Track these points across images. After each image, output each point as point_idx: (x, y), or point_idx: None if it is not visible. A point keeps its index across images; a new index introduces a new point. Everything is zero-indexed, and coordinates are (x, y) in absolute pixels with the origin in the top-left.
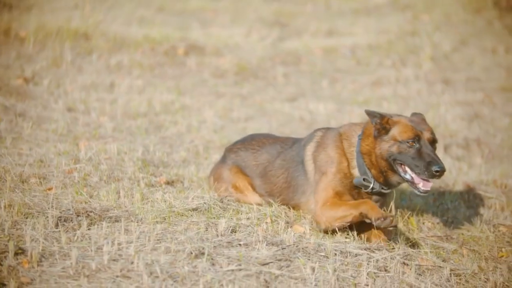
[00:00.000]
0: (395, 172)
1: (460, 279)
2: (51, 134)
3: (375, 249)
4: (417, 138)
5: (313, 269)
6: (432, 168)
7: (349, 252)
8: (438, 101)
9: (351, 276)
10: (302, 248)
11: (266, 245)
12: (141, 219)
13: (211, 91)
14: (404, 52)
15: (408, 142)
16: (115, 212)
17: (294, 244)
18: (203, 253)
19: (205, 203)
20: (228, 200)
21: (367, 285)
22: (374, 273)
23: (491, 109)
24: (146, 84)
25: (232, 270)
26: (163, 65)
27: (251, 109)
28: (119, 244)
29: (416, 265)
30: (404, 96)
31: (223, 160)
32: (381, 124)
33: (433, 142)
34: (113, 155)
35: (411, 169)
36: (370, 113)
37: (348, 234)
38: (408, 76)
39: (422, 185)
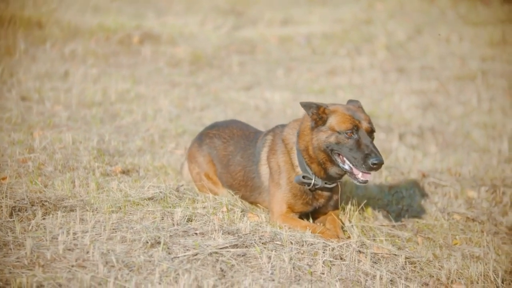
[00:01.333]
0: (334, 163)
1: (415, 266)
2: (4, 124)
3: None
4: (355, 128)
5: (269, 257)
6: (370, 160)
7: (305, 241)
8: (392, 90)
9: (307, 264)
10: (258, 237)
11: (222, 234)
12: (97, 208)
13: (166, 80)
14: (359, 40)
15: (346, 133)
16: (70, 201)
17: (250, 233)
18: (159, 242)
19: (161, 192)
20: (184, 189)
21: (323, 274)
22: (330, 261)
23: (445, 98)
24: (101, 73)
25: (188, 259)
26: (118, 54)
27: (206, 98)
28: (74, 233)
29: (372, 253)
30: (359, 84)
31: (200, 142)
32: (317, 114)
33: (371, 132)
34: (68, 144)
35: (349, 161)
36: (305, 105)
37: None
38: (363, 64)
39: (361, 175)
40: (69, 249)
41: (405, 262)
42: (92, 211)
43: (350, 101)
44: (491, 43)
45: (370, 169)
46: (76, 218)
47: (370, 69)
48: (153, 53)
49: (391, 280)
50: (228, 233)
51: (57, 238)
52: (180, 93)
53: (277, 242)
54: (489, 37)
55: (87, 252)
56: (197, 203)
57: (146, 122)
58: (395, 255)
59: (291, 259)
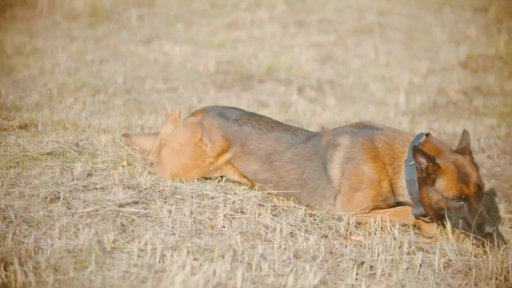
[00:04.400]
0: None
1: (314, 219)
2: None
3: (232, 192)
4: (463, 195)
5: (170, 211)
6: (486, 230)
7: (206, 194)
8: (291, 43)
9: (208, 218)
10: (159, 191)
11: (123, 188)
12: None
13: (64, 34)
14: None
15: (454, 200)
16: None
17: (150, 187)
18: (58, 197)
19: (60, 147)
20: (83, 144)
21: (224, 227)
22: (231, 215)
23: (343, 51)
24: None
25: (89, 214)
26: (13, 6)
27: (105, 52)
28: None
29: (272, 206)
30: (259, 38)
31: (222, 121)
32: (427, 171)
33: (479, 191)
34: None
35: (462, 224)
36: (417, 154)
37: (205, 179)
38: (263, 18)
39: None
40: None
41: (305, 215)
42: None
43: (463, 136)
44: None
45: (485, 237)
46: None
47: (270, 23)
48: (50, 6)
49: (291, 233)
50: (129, 188)
51: None
52: (78, 47)
53: (178, 196)
54: None
55: None
56: (97, 157)
57: (44, 76)
58: (295, 207)
59: (192, 213)
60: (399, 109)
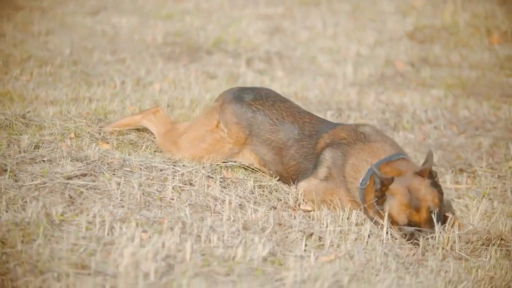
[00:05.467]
0: None
1: (263, 191)
2: None
3: (181, 164)
4: (412, 222)
5: (118, 184)
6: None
7: (155, 166)
8: (240, 15)
9: (157, 190)
10: (107, 164)
11: (71, 161)
12: None
13: (9, 4)
14: None
15: (403, 226)
16: None
17: (99, 160)
18: (5, 170)
19: (6, 119)
20: (30, 116)
21: (173, 199)
22: (180, 187)
23: (291, 23)
24: None
25: (36, 186)
26: None
27: (51, 23)
28: None
29: (221, 178)
30: (206, 9)
31: (237, 111)
32: (380, 191)
33: (431, 217)
34: None
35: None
36: (375, 175)
37: (155, 151)
38: None
39: None
40: None
41: (254, 186)
42: None
43: (427, 158)
44: None
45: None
46: None
47: None
48: None
49: (240, 205)
50: (77, 160)
51: None
52: (24, 17)
53: (126, 169)
54: None
55: None
56: (44, 129)
57: None
58: (244, 179)
59: (140, 185)
60: (347, 80)
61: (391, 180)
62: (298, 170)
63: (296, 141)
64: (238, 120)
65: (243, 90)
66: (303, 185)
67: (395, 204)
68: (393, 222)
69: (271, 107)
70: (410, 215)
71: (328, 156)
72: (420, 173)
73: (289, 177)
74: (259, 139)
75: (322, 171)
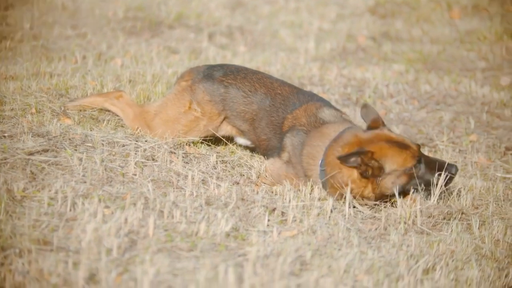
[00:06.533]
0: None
1: (226, 166)
2: None
3: (143, 140)
4: (417, 159)
5: (80, 159)
6: (452, 170)
7: (117, 142)
8: None
9: (119, 166)
10: (69, 139)
11: (32, 136)
12: None
13: None
14: None
15: (415, 167)
16: None
17: (60, 135)
18: None
19: None
20: None
21: (135, 175)
22: (142, 162)
23: None
24: None
25: None
26: None
27: None
28: None
29: (184, 153)
30: None
31: (212, 85)
32: (364, 163)
33: (419, 146)
34: None
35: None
36: (344, 159)
37: (117, 127)
38: None
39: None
40: None
41: (217, 162)
42: None
43: (365, 110)
44: None
45: (454, 175)
46: None
47: None
48: None
49: (202, 180)
50: (38, 136)
51: None
52: None
53: (88, 144)
54: None
55: None
56: (5, 105)
57: None
58: (207, 155)
59: (102, 161)
60: (309, 55)
61: (367, 151)
62: (268, 147)
63: (267, 113)
64: (210, 97)
65: (212, 67)
66: (268, 164)
67: (393, 159)
68: (406, 176)
69: (243, 79)
70: (412, 154)
71: (288, 143)
72: (373, 125)
73: (262, 151)
74: (233, 112)
75: (284, 155)
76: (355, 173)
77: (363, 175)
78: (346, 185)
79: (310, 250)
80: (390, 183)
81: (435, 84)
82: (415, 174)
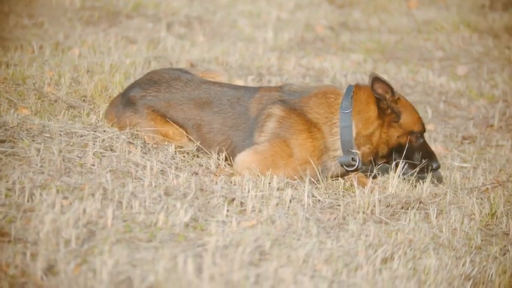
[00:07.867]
0: (389, 157)
1: (184, 156)
2: None
3: (101, 130)
4: (423, 131)
5: (38, 150)
6: (434, 165)
7: (75, 132)
8: None
9: (77, 156)
10: (26, 130)
11: None
12: None
13: None
14: None
15: (417, 135)
16: None
17: (17, 126)
18: None
19: None
20: None
21: (93, 165)
22: (100, 152)
23: None
24: None
25: None
26: None
27: None
28: None
29: (142, 143)
30: None
31: (135, 110)
32: (389, 103)
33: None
34: None
35: (408, 161)
36: (378, 82)
37: (75, 117)
38: None
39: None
40: None
41: (175, 152)
42: None
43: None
44: None
45: (431, 171)
46: None
47: None
48: None
49: (161, 170)
50: None
51: None
52: None
53: (46, 135)
54: None
55: None
56: None
57: None
58: (165, 145)
59: (60, 151)
60: (267, 45)
61: (397, 93)
62: (231, 145)
63: (217, 114)
64: (146, 116)
65: (127, 90)
66: (244, 157)
67: (410, 114)
68: (408, 138)
69: (168, 87)
70: (423, 124)
71: (273, 116)
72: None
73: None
74: (178, 121)
75: (264, 135)
76: (375, 112)
77: (382, 110)
78: (364, 121)
79: (269, 240)
80: (396, 136)
81: (393, 74)
82: (414, 142)
